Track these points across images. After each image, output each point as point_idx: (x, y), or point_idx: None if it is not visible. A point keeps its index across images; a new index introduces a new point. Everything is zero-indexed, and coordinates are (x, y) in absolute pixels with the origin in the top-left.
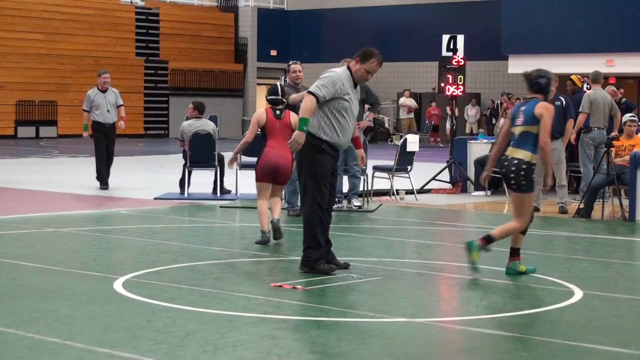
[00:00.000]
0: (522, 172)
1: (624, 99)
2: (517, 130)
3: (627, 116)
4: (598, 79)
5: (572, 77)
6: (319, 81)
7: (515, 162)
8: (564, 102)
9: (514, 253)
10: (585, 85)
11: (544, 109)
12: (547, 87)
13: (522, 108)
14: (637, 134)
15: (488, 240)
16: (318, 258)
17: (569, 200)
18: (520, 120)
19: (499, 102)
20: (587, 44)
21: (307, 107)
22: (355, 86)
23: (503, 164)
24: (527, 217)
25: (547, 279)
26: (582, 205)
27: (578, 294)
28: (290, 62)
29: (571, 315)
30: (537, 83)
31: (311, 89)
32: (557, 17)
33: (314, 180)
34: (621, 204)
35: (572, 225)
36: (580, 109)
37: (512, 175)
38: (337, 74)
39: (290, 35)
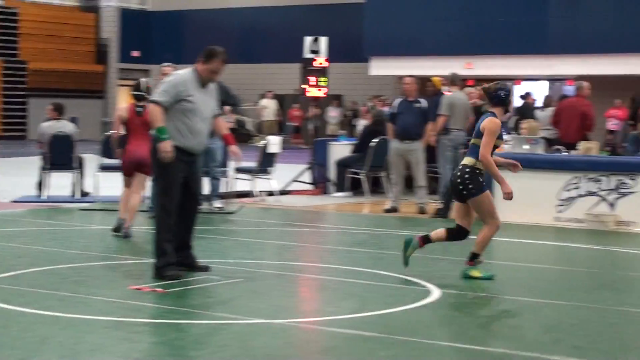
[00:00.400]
0: (467, 176)
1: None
2: (471, 142)
3: None
4: (456, 81)
5: (432, 79)
6: (160, 87)
7: (460, 167)
8: (424, 104)
9: (427, 240)
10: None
11: (487, 124)
12: (506, 99)
13: (479, 121)
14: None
15: (473, 257)
16: (164, 265)
17: (428, 201)
18: (475, 133)
19: (371, 105)
20: (447, 46)
21: (155, 116)
22: (203, 87)
23: (453, 175)
24: (495, 218)
25: (405, 279)
26: (440, 206)
27: (436, 292)
28: (162, 64)
29: (429, 314)
30: (497, 96)
31: (153, 96)
32: (418, 20)
33: (162, 187)
34: None
35: (431, 226)
36: (440, 111)
37: (459, 181)
38: (178, 76)
39: (153, 36)
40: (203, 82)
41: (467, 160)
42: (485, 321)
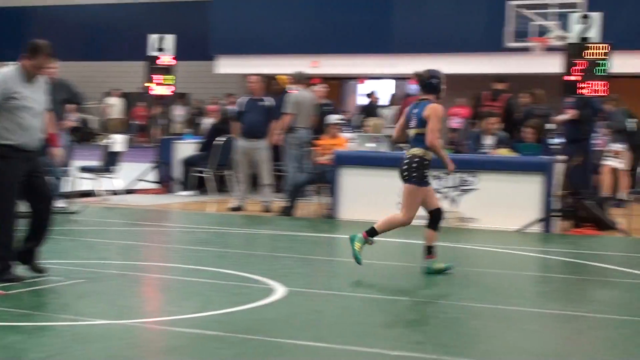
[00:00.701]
0: (414, 165)
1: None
2: (411, 132)
3: (334, 117)
4: (302, 79)
5: (277, 77)
6: None
7: (409, 156)
8: (270, 103)
9: (429, 251)
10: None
11: (432, 110)
12: (438, 86)
13: (415, 110)
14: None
15: (371, 233)
16: (2, 268)
17: (273, 200)
18: (413, 123)
19: (224, 102)
20: (293, 45)
21: None
22: (31, 82)
23: (401, 162)
24: (413, 213)
25: (250, 277)
26: (285, 204)
27: (280, 290)
28: (3, 63)
29: (273, 312)
30: (430, 83)
31: None
32: (264, 18)
33: None
34: (324, 202)
35: (275, 224)
36: (285, 110)
37: (405, 167)
38: (2, 74)
39: None
40: (30, 78)
41: (418, 151)
42: (327, 318)
